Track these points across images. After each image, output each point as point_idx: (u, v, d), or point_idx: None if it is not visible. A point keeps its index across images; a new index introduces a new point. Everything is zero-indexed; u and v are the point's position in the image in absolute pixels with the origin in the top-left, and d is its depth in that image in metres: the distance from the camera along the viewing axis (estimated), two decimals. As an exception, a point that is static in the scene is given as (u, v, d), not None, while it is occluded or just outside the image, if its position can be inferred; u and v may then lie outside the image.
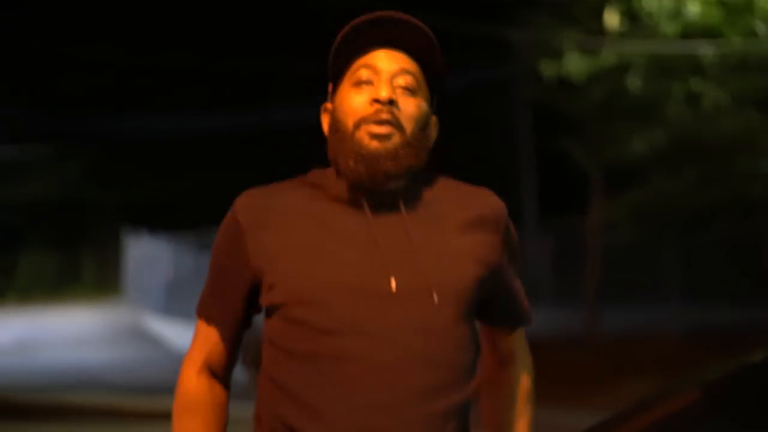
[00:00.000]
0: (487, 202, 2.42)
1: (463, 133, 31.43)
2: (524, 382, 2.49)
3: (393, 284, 2.25)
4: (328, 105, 2.41)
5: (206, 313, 2.53)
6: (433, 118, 2.36)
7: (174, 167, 30.64)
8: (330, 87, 2.41)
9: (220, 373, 2.55)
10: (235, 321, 2.51)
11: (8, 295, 29.89)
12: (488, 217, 2.39)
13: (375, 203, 2.33)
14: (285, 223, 2.34)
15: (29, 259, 32.13)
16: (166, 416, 10.17)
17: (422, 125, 2.32)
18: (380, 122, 2.29)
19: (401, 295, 2.25)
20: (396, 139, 2.28)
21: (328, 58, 2.36)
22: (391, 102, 2.28)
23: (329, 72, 2.39)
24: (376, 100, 2.28)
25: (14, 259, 31.76)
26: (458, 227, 2.35)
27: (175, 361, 20.82)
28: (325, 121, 2.42)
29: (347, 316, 2.25)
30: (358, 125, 2.30)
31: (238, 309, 2.48)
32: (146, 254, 26.59)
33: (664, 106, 16.83)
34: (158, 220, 27.37)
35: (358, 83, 2.32)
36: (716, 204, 17.15)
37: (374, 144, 2.29)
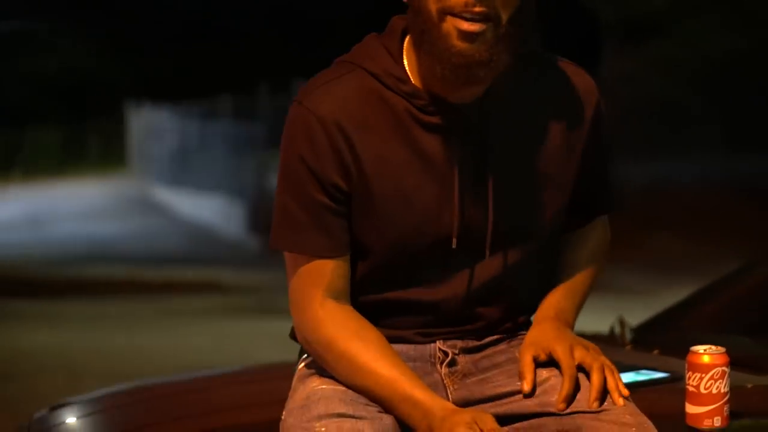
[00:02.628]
0: (580, 86, 2.07)
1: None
2: (596, 240, 2.19)
3: (454, 243, 2.00)
4: None
5: (300, 246, 2.04)
6: None
7: (176, 38, 30.21)
8: None
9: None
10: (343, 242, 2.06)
11: (13, 171, 29.66)
12: (580, 110, 2.07)
13: (459, 125, 1.99)
14: (369, 143, 1.99)
15: (34, 135, 31.90)
16: (183, 287, 9.89)
17: (520, 7, 1.93)
18: (472, 18, 1.89)
19: (462, 250, 2.01)
20: (489, 34, 1.90)
21: None
22: None
23: None
24: None
25: (19, 134, 31.51)
26: (546, 147, 2.04)
27: (185, 229, 20.78)
28: None
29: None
30: (443, 15, 1.91)
31: (345, 227, 2.04)
32: (151, 125, 26.43)
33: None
34: (162, 91, 26.98)
35: None
36: (741, 49, 16.73)
37: (463, 45, 1.91)
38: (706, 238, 15.27)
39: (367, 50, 2.04)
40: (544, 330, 2.05)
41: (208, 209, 20.00)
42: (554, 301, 2.11)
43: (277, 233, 2.05)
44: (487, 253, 2.02)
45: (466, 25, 1.89)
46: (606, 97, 2.12)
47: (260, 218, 16.33)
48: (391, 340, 2.05)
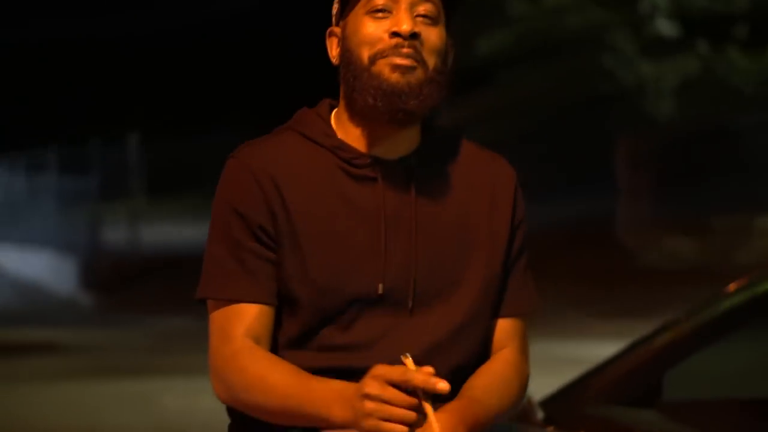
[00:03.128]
0: (499, 170, 2.19)
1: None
2: (511, 367, 2.15)
3: (380, 289, 2.05)
4: (335, 29, 2.15)
5: (227, 292, 2.06)
6: (451, 43, 2.14)
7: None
8: (335, 8, 2.15)
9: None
10: (273, 290, 2.07)
11: None
12: (500, 190, 2.17)
13: (386, 174, 2.08)
14: (299, 190, 2.07)
15: None
16: (17, 348, 9.55)
17: (444, 57, 2.10)
18: (401, 55, 2.05)
19: (387, 299, 2.05)
20: (419, 73, 2.05)
21: (337, 3, 2.15)
22: (414, 35, 2.05)
23: (337, 3, 2.15)
24: (397, 34, 2.04)
25: None
26: (469, 203, 2.13)
27: (13, 287, 20.18)
28: (333, 49, 2.15)
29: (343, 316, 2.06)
30: (374, 59, 2.06)
31: (269, 271, 2.07)
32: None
33: (507, 5, 16.81)
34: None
35: (374, 11, 2.07)
36: (564, 100, 17.27)
37: (395, 76, 2.04)
38: (537, 281, 15.67)
39: (299, 117, 2.16)
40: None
41: (36, 265, 19.57)
42: (472, 388, 2.09)
43: (204, 282, 2.08)
44: (411, 304, 2.04)
45: (398, 60, 2.03)
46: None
47: (93, 274, 16.06)
48: None
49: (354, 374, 1.99)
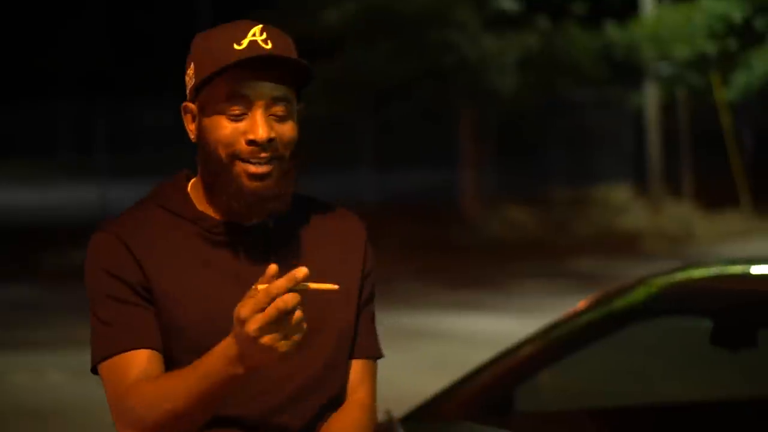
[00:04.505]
0: (349, 226, 2.30)
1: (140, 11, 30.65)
2: (367, 413, 2.27)
3: None
4: (191, 106, 2.18)
5: (117, 345, 2.12)
6: (300, 108, 2.19)
7: None
8: (189, 79, 2.18)
9: None
10: (157, 337, 2.14)
11: None
12: (351, 245, 2.28)
13: (246, 241, 2.18)
14: (163, 256, 2.15)
15: None
16: None
17: (296, 144, 2.16)
18: (258, 162, 2.11)
19: None
20: (276, 172, 2.13)
21: (190, 58, 2.17)
22: (270, 140, 2.11)
23: (190, 72, 2.17)
24: (254, 142, 2.10)
25: None
26: (324, 261, 2.21)
27: None
28: (189, 124, 2.20)
29: None
30: (232, 159, 2.12)
31: (152, 321, 2.14)
32: None
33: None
34: None
35: (230, 113, 2.12)
36: (409, 73, 17.41)
37: (254, 185, 2.12)
38: (382, 253, 15.84)
39: (157, 190, 2.24)
40: None
41: None
42: None
43: (94, 348, 2.13)
44: (290, 363, 2.09)
45: (254, 168, 2.10)
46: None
47: None
48: None
49: (228, 420, 2.11)
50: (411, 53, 17.19)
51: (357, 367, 2.26)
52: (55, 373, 8.70)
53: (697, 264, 3.85)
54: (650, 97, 20.62)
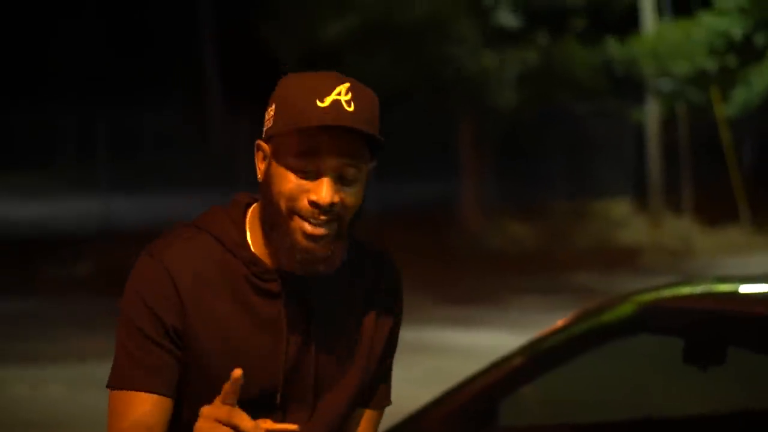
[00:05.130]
0: (388, 276, 2.29)
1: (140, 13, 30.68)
2: None
3: (278, 399, 2.18)
4: (264, 146, 2.15)
5: (131, 382, 2.15)
6: (369, 170, 2.16)
7: None
8: (269, 117, 2.14)
9: None
10: (172, 383, 2.18)
11: None
12: (386, 298, 2.29)
13: (289, 291, 2.18)
14: (206, 296, 2.16)
15: None
16: None
17: (360, 204, 2.15)
18: (317, 223, 2.10)
19: (282, 407, 2.19)
20: (331, 233, 2.11)
21: (271, 107, 2.13)
22: (332, 204, 2.09)
23: (271, 113, 2.13)
24: (316, 204, 2.08)
25: None
26: (357, 320, 2.25)
27: None
28: (260, 163, 2.17)
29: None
30: (291, 213, 2.10)
31: (174, 366, 2.17)
32: None
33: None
34: None
35: (298, 170, 2.09)
36: (408, 84, 17.50)
37: (309, 245, 2.11)
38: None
39: (213, 218, 2.21)
40: None
41: None
42: None
43: (113, 373, 2.17)
44: (307, 415, 2.18)
45: (311, 229, 2.08)
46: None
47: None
48: None
49: None
50: (410, 64, 17.29)
51: (368, 416, 2.30)
52: (55, 385, 8.75)
53: (682, 282, 3.93)
54: (651, 112, 20.71)
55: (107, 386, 2.17)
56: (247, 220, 2.21)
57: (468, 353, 9.96)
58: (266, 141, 2.14)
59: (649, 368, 3.87)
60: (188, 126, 27.50)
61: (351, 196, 2.11)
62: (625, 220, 20.04)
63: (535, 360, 3.43)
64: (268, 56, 18.54)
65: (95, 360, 8.64)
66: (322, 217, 2.08)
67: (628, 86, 20.21)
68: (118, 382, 2.16)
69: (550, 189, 21.46)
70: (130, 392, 2.14)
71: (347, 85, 2.10)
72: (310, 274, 2.15)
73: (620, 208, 20.83)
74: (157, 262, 2.15)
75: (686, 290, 3.58)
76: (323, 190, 2.07)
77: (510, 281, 15.25)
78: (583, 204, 20.78)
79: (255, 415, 2.07)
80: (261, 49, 18.47)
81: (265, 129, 2.15)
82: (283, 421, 2.15)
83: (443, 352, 10.29)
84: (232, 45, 25.94)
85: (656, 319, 3.32)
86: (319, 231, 2.09)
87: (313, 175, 2.08)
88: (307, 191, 2.08)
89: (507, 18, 17.81)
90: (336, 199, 2.08)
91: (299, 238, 2.10)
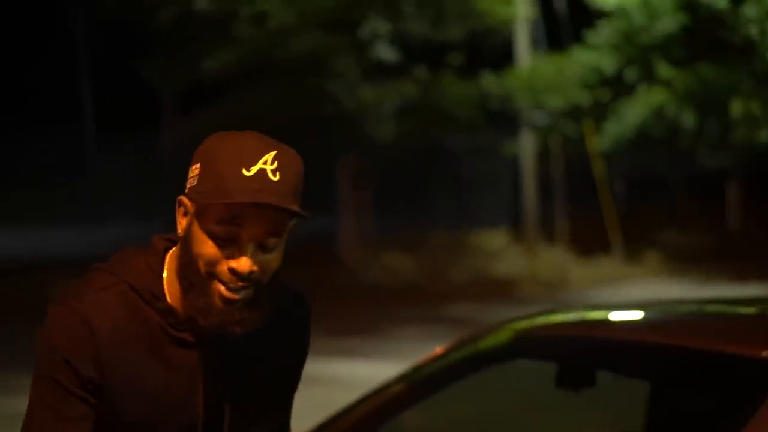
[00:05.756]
0: (299, 317, 2.34)
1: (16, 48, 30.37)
2: None
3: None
4: (186, 202, 2.15)
5: (41, 429, 2.17)
6: (293, 227, 2.18)
7: None
8: (194, 174, 2.14)
9: None
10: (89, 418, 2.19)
11: None
12: (298, 340, 2.35)
13: (206, 340, 2.22)
14: (121, 347, 2.18)
15: None
16: None
17: (279, 268, 2.16)
18: (235, 290, 2.11)
19: None
20: (248, 298, 2.13)
21: (195, 165, 2.14)
22: (251, 272, 2.10)
23: (195, 172, 2.13)
24: (235, 272, 2.10)
25: None
26: (269, 365, 2.30)
27: None
28: (180, 221, 2.17)
29: None
30: (210, 276, 2.11)
31: (87, 416, 2.19)
32: None
33: (232, 26, 16.96)
34: None
35: (218, 237, 2.10)
36: (289, 119, 17.57)
37: (224, 308, 2.13)
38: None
39: (130, 264, 2.22)
40: None
41: None
42: None
43: (26, 422, 2.18)
44: None
45: (228, 294, 2.10)
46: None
47: None
48: None
49: None
50: (290, 100, 17.36)
51: None
52: None
53: (555, 310, 4.07)
54: (526, 145, 21.09)
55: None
56: (165, 267, 2.21)
57: (348, 383, 10.03)
58: (189, 198, 2.13)
59: (525, 393, 4.00)
60: (65, 160, 27.28)
61: (271, 262, 2.11)
62: (501, 252, 20.32)
63: (414, 386, 3.53)
64: (146, 90, 18.50)
65: None
66: (240, 284, 2.09)
67: (504, 120, 20.57)
68: (28, 428, 2.17)
69: (429, 222, 21.69)
70: None
71: (273, 153, 2.10)
72: (225, 332, 2.17)
73: (497, 239, 21.13)
74: (74, 312, 2.15)
75: (559, 318, 3.72)
76: (243, 260, 2.08)
77: (389, 313, 15.38)
78: (461, 236, 21.04)
79: None
80: (137, 79, 18.40)
81: (188, 186, 2.14)
82: None
83: (324, 382, 10.35)
84: (108, 74, 25.78)
85: (531, 345, 3.45)
86: (236, 296, 2.10)
87: (234, 243, 2.09)
88: (227, 258, 2.09)
89: (385, 52, 18.02)
90: (255, 267, 2.09)
91: (216, 300, 2.11)
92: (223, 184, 2.06)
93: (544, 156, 21.80)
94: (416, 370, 3.57)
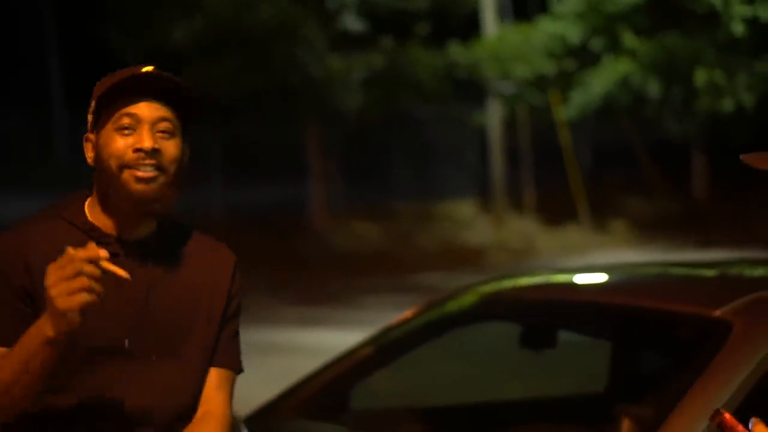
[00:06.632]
0: (221, 254, 2.61)
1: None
2: (224, 424, 2.57)
3: (126, 343, 2.45)
4: (90, 136, 2.52)
5: None
6: (186, 148, 2.54)
7: None
8: (90, 118, 2.52)
9: None
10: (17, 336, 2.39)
11: None
12: (221, 270, 2.60)
13: (128, 252, 2.49)
14: (50, 258, 2.35)
15: None
16: None
17: (181, 162, 2.50)
18: (145, 168, 2.43)
19: (133, 354, 2.45)
20: (161, 179, 2.45)
21: (93, 95, 2.50)
22: (155, 150, 2.43)
23: (93, 109, 2.51)
24: (140, 149, 2.43)
25: None
26: (196, 279, 2.55)
27: None
28: (89, 153, 2.53)
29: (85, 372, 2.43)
30: (121, 169, 2.44)
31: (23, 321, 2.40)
32: None
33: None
34: None
35: (121, 129, 2.45)
36: (256, 89, 17.59)
37: (140, 187, 2.43)
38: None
39: (56, 203, 2.55)
40: None
41: None
42: None
43: None
44: (152, 357, 2.44)
45: (140, 173, 2.41)
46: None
47: None
48: None
49: (97, 413, 2.40)
50: (257, 69, 17.38)
51: (214, 375, 2.55)
52: None
53: (520, 274, 4.17)
54: (493, 115, 21.20)
55: None
56: (87, 202, 2.54)
57: (317, 352, 10.07)
58: (91, 132, 2.49)
59: (490, 354, 4.10)
60: (32, 131, 27.17)
61: (171, 147, 2.45)
62: (469, 221, 20.44)
63: (384, 348, 3.63)
64: (113, 59, 18.43)
65: None
66: (148, 161, 2.42)
67: (471, 90, 20.65)
68: None
69: (396, 191, 21.78)
70: None
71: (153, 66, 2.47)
72: (147, 215, 2.46)
73: (464, 209, 21.24)
74: (7, 236, 2.47)
75: (523, 281, 3.82)
76: (144, 138, 2.42)
77: (357, 282, 15.47)
78: (428, 206, 21.14)
79: (105, 362, 2.40)
80: (105, 52, 18.34)
81: (89, 124, 2.50)
82: (131, 367, 2.42)
83: (292, 351, 10.43)
84: (76, 47, 25.66)
85: (495, 307, 3.55)
86: (149, 173, 2.42)
87: (133, 130, 2.43)
88: (132, 144, 2.43)
89: (352, 22, 18.06)
90: (157, 146, 2.42)
91: (132, 184, 2.42)
92: (112, 79, 2.44)
93: (510, 126, 21.91)
94: (386, 332, 3.67)
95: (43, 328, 2.24)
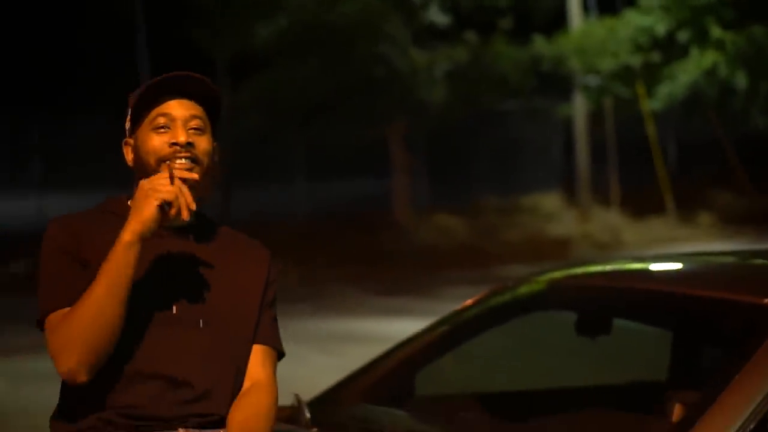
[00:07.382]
0: (258, 248, 2.87)
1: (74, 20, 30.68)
2: (269, 409, 2.74)
3: (174, 310, 2.68)
4: (129, 141, 2.78)
5: (60, 302, 2.64)
6: (215, 144, 2.79)
7: None
8: (127, 124, 2.78)
9: None
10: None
11: None
12: (257, 259, 2.84)
13: (171, 234, 2.74)
14: (100, 247, 2.65)
15: None
16: None
17: (212, 155, 2.76)
18: (180, 159, 2.68)
19: (181, 319, 2.68)
20: (196, 171, 2.69)
21: (130, 104, 2.76)
22: (189, 144, 2.69)
23: (131, 115, 2.76)
24: (175, 143, 2.68)
25: None
26: (235, 263, 2.79)
27: None
28: (129, 156, 2.79)
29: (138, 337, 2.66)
30: (159, 163, 2.69)
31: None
32: None
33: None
34: None
35: (157, 128, 2.71)
36: (340, 85, 17.74)
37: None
38: (317, 262, 16.19)
39: (101, 203, 2.83)
40: None
41: None
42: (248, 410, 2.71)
43: (40, 303, 2.66)
44: (201, 324, 2.66)
45: (178, 164, 2.67)
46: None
47: None
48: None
49: (146, 373, 2.61)
50: (342, 66, 17.53)
51: (258, 351, 2.76)
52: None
53: (593, 262, 4.23)
54: (578, 108, 21.15)
55: (39, 317, 2.65)
56: (129, 201, 2.77)
57: (395, 341, 10.22)
58: (130, 137, 2.76)
59: (555, 341, 4.19)
60: (120, 131, 27.53)
61: (203, 142, 2.71)
62: (554, 215, 20.42)
63: (448, 334, 3.74)
64: (200, 61, 18.69)
65: (34, 355, 8.80)
66: (184, 154, 2.68)
67: (555, 84, 20.62)
68: (46, 306, 2.64)
69: (480, 186, 21.81)
70: (56, 312, 2.63)
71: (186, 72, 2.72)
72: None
73: (549, 203, 21.22)
74: (58, 220, 2.73)
75: (591, 269, 3.90)
76: (179, 133, 2.69)
77: (442, 274, 15.54)
78: (512, 200, 21.14)
79: (156, 326, 2.65)
80: (193, 54, 18.61)
81: (127, 131, 2.77)
82: (179, 332, 2.66)
83: (373, 340, 10.53)
84: (165, 51, 26.00)
85: (559, 295, 3.64)
86: (184, 164, 2.68)
87: (168, 128, 2.69)
88: (167, 140, 2.69)
89: (437, 16, 18.13)
90: (191, 139, 2.68)
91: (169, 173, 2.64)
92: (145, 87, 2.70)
93: (595, 119, 21.84)
94: (448, 318, 3.78)
95: (123, 236, 2.55)
